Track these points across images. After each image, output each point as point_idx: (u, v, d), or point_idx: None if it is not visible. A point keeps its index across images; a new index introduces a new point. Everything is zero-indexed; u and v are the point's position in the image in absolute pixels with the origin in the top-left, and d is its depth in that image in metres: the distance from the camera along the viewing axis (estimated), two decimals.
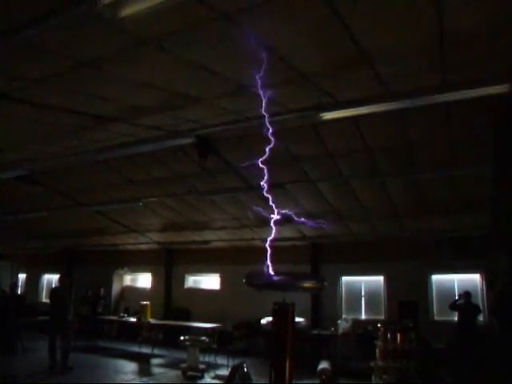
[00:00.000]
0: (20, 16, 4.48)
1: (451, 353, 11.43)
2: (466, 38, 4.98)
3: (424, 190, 10.60)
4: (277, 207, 12.18)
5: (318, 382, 10.42)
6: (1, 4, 4.33)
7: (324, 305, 15.42)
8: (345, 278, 15.62)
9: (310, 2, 4.36)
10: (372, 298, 15.08)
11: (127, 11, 4.08)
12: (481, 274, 13.42)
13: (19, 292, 21.72)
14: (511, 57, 5.31)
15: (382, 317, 14.37)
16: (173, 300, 18.79)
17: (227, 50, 5.39)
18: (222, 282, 17.67)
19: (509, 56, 5.31)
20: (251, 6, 4.41)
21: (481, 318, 12.02)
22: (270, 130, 5.41)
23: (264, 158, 5.58)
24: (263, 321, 13.20)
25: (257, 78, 5.01)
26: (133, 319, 16.11)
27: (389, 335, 10.38)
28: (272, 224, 5.48)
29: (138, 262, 20.17)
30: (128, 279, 21.29)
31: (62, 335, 11.52)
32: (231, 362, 12.21)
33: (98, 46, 5.23)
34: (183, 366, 11.73)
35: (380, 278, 14.92)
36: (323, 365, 10.59)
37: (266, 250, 8.35)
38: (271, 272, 8.59)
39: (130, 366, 13.38)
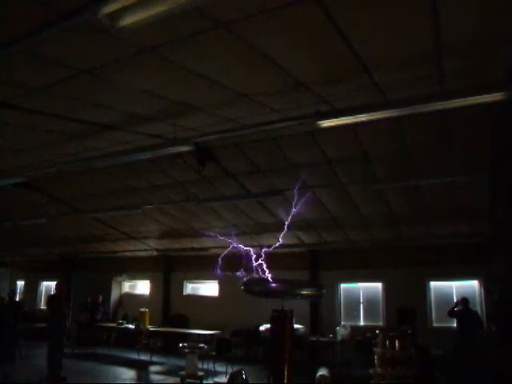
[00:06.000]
0: (20, 25, 4.51)
1: (451, 359, 11.42)
2: (465, 46, 5.03)
3: (422, 197, 10.62)
4: (276, 214, 12.21)
5: None
6: (1, 13, 4.36)
7: (323, 311, 15.40)
8: (343, 285, 15.61)
9: (307, 12, 4.40)
10: (370, 304, 15.07)
11: (127, 21, 4.10)
12: (479, 280, 13.43)
13: (17, 299, 21.66)
14: (509, 64, 5.35)
15: (381, 323, 14.35)
16: (171, 307, 18.76)
17: (225, 59, 5.43)
18: (221, 289, 17.66)
19: (507, 63, 5.35)
20: (250, 15, 4.44)
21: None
22: None
23: None
24: (262, 328, 13.20)
25: None
26: (131, 326, 16.08)
27: (387, 342, 10.35)
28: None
29: (136, 268, 20.15)
30: (127, 286, 21.25)
31: (58, 343, 11.44)
32: (230, 370, 12.18)
33: (98, 55, 5.27)
34: (182, 373, 11.69)
35: (378, 285, 14.92)
36: (322, 372, 10.55)
37: (261, 258, 8.39)
38: (270, 279, 8.62)
39: (129, 374, 13.33)
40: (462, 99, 5.52)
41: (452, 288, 13.87)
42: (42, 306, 22.17)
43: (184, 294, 18.98)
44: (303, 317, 14.29)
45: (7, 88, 6.10)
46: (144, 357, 15.41)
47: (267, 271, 8.53)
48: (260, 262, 8.63)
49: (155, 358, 15.19)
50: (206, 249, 16.21)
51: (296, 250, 15.42)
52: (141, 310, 15.99)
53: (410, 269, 13.89)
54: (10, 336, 14.05)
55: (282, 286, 8.98)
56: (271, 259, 8.79)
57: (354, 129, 7.65)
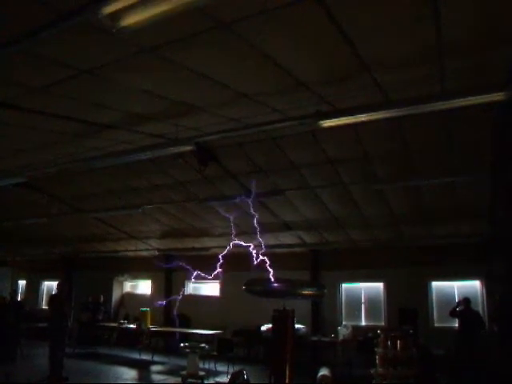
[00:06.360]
0: (20, 25, 4.51)
1: (453, 359, 11.41)
2: (465, 46, 5.02)
3: (423, 197, 10.61)
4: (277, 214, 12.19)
5: None
6: (1, 13, 4.36)
7: (324, 311, 15.40)
8: (345, 285, 15.60)
9: (308, 11, 4.39)
10: (372, 304, 15.06)
11: (128, 21, 4.09)
12: (481, 280, 13.41)
13: (19, 298, 21.69)
14: (509, 64, 5.34)
15: (382, 323, 14.34)
16: (173, 307, 18.73)
17: (226, 59, 5.43)
18: (222, 289, 17.65)
19: (507, 63, 5.35)
20: (250, 15, 4.44)
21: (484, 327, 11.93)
22: None
23: None
24: (263, 328, 13.20)
25: None
26: (133, 326, 16.10)
27: (389, 342, 10.34)
28: None
29: (138, 268, 20.14)
30: (128, 286, 21.27)
31: (59, 343, 11.44)
32: (231, 369, 12.19)
33: (98, 55, 5.26)
34: (183, 373, 11.70)
35: (380, 285, 14.91)
36: (323, 372, 10.55)
37: (264, 258, 8.38)
38: (271, 279, 8.62)
39: (130, 373, 13.35)
40: (462, 99, 5.52)
41: (454, 288, 13.85)
42: (44, 306, 22.19)
43: (185, 293, 18.97)
44: (304, 317, 14.31)
45: (7, 88, 6.10)
46: (145, 356, 15.44)
47: (269, 271, 8.54)
48: (261, 261, 8.64)
49: (156, 358, 15.21)
50: (207, 248, 16.21)
51: (297, 249, 15.43)
52: (142, 309, 16.00)
53: (410, 269, 13.87)
54: (12, 335, 14.08)
55: (284, 285, 8.99)
56: (272, 259, 8.79)
57: (355, 128, 7.65)
